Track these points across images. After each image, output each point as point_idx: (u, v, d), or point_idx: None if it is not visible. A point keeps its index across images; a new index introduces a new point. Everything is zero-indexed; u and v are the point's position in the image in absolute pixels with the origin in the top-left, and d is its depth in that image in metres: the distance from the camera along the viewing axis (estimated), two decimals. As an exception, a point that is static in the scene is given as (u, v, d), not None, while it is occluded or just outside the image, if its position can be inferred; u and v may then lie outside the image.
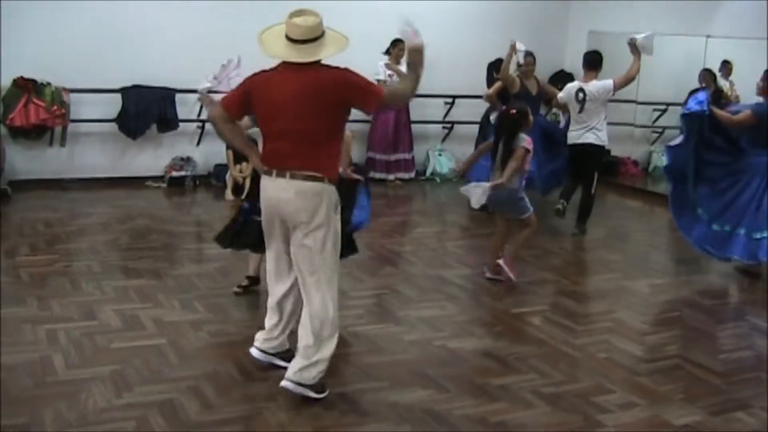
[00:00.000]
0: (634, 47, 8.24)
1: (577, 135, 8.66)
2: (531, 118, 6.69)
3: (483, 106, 10.32)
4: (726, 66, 10.97)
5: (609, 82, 8.43)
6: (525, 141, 6.56)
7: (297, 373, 4.42)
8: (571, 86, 8.72)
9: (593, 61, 8.64)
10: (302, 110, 4.31)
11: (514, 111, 6.63)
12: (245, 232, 5.92)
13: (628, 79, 8.41)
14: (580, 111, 8.57)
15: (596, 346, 5.54)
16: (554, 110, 12.18)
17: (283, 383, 4.43)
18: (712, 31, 10.29)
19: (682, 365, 5.31)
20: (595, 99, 8.46)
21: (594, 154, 8.65)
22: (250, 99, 4.46)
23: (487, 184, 6.52)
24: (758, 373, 5.25)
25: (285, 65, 4.39)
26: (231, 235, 6.08)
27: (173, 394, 4.49)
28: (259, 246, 5.89)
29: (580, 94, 8.54)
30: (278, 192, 4.37)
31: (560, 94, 8.87)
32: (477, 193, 6.52)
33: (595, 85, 8.49)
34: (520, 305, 6.34)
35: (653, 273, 7.49)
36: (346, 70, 4.36)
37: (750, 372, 5.28)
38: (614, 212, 10.10)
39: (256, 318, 5.69)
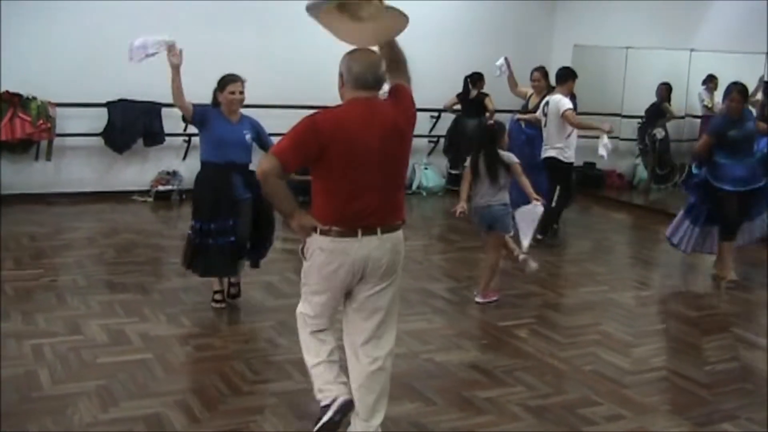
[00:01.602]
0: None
1: (544, 148, 8.71)
2: (506, 137, 6.67)
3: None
4: (711, 80, 11.05)
5: (563, 105, 8.44)
6: (513, 157, 6.54)
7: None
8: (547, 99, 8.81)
9: (558, 76, 8.80)
10: (390, 158, 3.93)
11: (493, 123, 6.79)
12: (207, 257, 5.98)
13: (570, 122, 8.44)
14: (545, 124, 8.65)
15: (582, 358, 5.56)
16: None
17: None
18: (696, 45, 10.38)
19: (668, 377, 5.33)
20: (552, 113, 8.53)
21: (553, 168, 8.63)
22: (322, 148, 3.77)
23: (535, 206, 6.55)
24: (744, 384, 5.27)
25: (352, 103, 3.88)
26: (190, 257, 6.10)
27: (160, 409, 4.47)
28: (223, 271, 6.08)
29: (545, 108, 8.65)
30: (369, 252, 3.87)
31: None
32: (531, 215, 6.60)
33: (554, 101, 8.55)
34: (507, 318, 6.34)
35: (639, 285, 7.53)
36: (400, 95, 4.05)
37: (736, 383, 5.30)
38: (599, 225, 10.14)
39: (242, 332, 5.69)
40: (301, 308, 4.14)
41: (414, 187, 11.49)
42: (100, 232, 8.39)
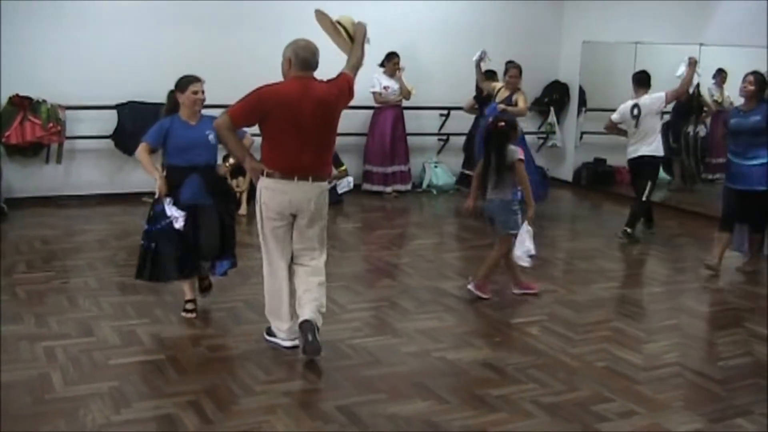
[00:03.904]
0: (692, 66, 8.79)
1: (634, 149, 8.92)
2: (519, 128, 6.70)
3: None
4: (720, 74, 11.01)
5: (662, 95, 8.84)
6: (518, 153, 6.51)
7: (316, 316, 5.25)
8: (625, 105, 8.95)
9: (642, 80, 8.99)
10: (320, 124, 5.12)
11: (503, 123, 6.61)
12: (160, 263, 5.89)
13: (679, 93, 9.01)
14: (636, 125, 8.83)
15: (595, 355, 5.54)
16: (549, 121, 12.26)
17: (310, 316, 5.20)
18: (706, 40, 10.32)
19: (681, 373, 5.31)
20: (649, 111, 8.79)
21: (650, 164, 8.92)
22: (265, 114, 5.05)
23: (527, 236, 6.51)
24: (757, 379, 5.25)
25: (293, 80, 5.10)
26: (149, 267, 5.94)
27: (172, 410, 4.48)
28: (180, 273, 5.97)
29: (635, 110, 8.84)
30: (302, 194, 5.14)
31: (614, 115, 9.07)
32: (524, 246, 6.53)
33: (649, 98, 8.82)
34: (519, 315, 6.34)
35: (650, 281, 7.50)
36: (339, 79, 5.29)
37: (749, 378, 5.27)
38: (611, 221, 10.09)
39: (253, 332, 5.69)
40: (262, 243, 5.38)
41: (425, 185, 11.47)
42: (111, 234, 8.40)
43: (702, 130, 11.50)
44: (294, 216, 5.22)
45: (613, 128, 9.15)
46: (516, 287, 6.76)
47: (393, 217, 10.04)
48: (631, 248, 8.77)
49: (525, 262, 6.58)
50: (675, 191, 11.61)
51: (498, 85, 9.78)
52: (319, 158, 5.21)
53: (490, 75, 10.69)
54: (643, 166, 8.90)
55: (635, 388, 5.02)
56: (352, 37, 5.49)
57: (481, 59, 9.96)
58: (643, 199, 8.87)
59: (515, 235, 6.57)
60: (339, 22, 5.50)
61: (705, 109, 11.27)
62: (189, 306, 6.03)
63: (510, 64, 9.71)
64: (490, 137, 6.65)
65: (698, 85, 10.38)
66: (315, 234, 5.31)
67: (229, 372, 5.02)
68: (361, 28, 5.51)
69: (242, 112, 5.08)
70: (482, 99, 10.58)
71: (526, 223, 6.54)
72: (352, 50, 5.50)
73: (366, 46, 5.59)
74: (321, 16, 5.51)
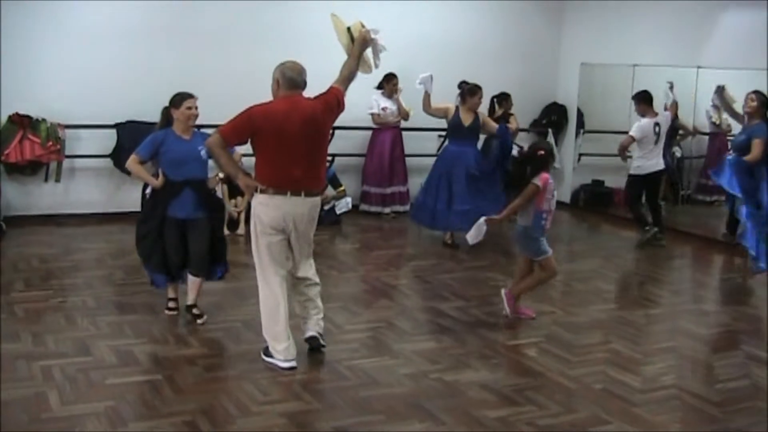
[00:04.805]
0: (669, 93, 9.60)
1: (652, 164, 9.50)
2: (556, 154, 6.80)
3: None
4: (717, 95, 11.04)
5: (668, 113, 9.62)
6: (538, 178, 6.44)
7: (318, 325, 5.64)
8: (646, 123, 9.41)
9: (649, 98, 9.50)
10: (309, 140, 5.28)
11: (543, 152, 6.54)
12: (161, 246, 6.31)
13: (675, 114, 9.86)
14: (656, 142, 9.35)
15: (592, 376, 5.54)
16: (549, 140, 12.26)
17: (313, 334, 5.61)
18: (703, 62, 10.38)
19: (679, 395, 5.30)
20: (666, 129, 9.42)
21: (661, 177, 9.82)
22: (255, 132, 5.22)
23: (482, 220, 6.49)
24: (755, 402, 5.24)
25: (282, 99, 5.29)
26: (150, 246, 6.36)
27: (168, 429, 4.47)
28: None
29: (657, 128, 9.33)
30: (295, 208, 5.32)
31: (634, 133, 9.40)
32: (473, 230, 6.48)
33: (663, 116, 9.55)
34: (516, 337, 6.33)
35: (648, 303, 7.50)
36: (327, 94, 5.44)
37: (747, 401, 5.27)
38: (608, 243, 10.12)
39: (250, 352, 5.69)
40: (256, 260, 5.50)
41: (423, 207, 11.45)
42: (108, 253, 8.40)
43: (678, 151, 11.56)
44: (288, 230, 5.37)
45: (627, 148, 9.53)
46: (512, 310, 6.73)
47: (391, 237, 10.04)
48: (628, 270, 8.78)
49: (472, 238, 6.50)
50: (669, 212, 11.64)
51: (452, 106, 9.53)
52: (310, 173, 5.36)
53: (504, 97, 10.71)
54: (660, 179, 9.73)
55: (632, 410, 5.01)
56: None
57: (424, 83, 9.48)
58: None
59: (545, 258, 6.60)
60: (349, 29, 5.65)
61: (681, 132, 11.26)
62: (171, 304, 6.44)
63: (469, 85, 9.44)
64: (528, 164, 6.57)
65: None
66: (307, 243, 5.55)
67: (226, 392, 5.02)
68: (360, 38, 5.59)
69: (233, 131, 5.27)
70: (494, 120, 10.46)
71: (483, 219, 6.48)
72: (345, 62, 5.63)
73: (384, 54, 5.74)
74: (336, 21, 5.70)
